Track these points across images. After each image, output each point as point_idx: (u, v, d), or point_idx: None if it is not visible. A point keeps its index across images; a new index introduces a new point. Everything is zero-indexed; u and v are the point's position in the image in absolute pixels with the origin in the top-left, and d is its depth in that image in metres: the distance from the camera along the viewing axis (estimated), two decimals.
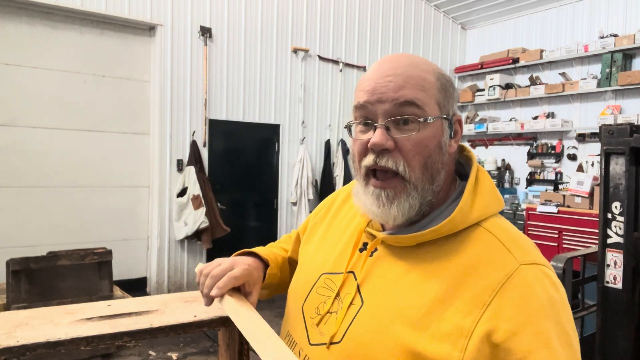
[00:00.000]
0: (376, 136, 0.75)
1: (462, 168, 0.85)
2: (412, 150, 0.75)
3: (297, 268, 0.99)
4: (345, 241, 0.88)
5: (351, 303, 0.78)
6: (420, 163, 0.75)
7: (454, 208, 0.76)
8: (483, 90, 7.36)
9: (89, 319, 0.90)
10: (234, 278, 0.85)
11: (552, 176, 6.64)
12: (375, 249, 0.81)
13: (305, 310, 0.86)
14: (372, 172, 0.78)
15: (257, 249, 1.00)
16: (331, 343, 0.77)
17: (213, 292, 0.83)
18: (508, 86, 7.00)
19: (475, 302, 0.68)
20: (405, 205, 0.76)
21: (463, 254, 0.73)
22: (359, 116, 0.79)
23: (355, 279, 0.80)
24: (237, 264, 0.88)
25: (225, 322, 0.94)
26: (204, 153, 5.50)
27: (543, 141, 6.74)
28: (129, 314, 0.93)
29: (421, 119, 0.74)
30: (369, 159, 0.77)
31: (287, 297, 0.95)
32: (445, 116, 0.77)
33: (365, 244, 0.84)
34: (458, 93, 0.75)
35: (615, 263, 2.24)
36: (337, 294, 0.81)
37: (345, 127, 0.84)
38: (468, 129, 7.50)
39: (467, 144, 7.80)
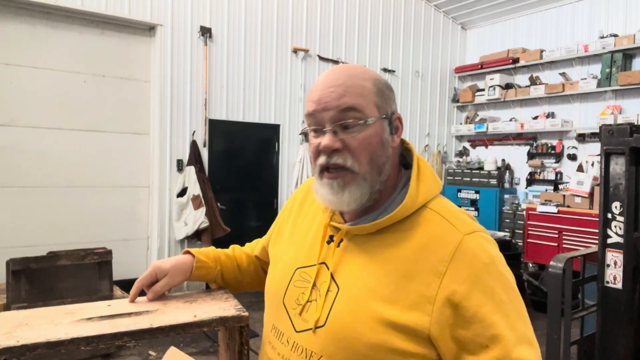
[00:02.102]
0: (325, 139, 0.87)
1: (403, 159, 0.97)
2: (358, 147, 0.86)
3: (270, 267, 1.09)
4: (312, 236, 0.99)
5: (328, 290, 0.88)
6: (366, 158, 0.87)
7: (403, 195, 0.89)
8: (483, 90, 7.36)
9: (89, 319, 0.89)
10: (138, 282, 1.04)
11: (552, 176, 6.64)
12: (341, 240, 0.92)
13: (286, 302, 0.95)
14: (326, 169, 0.89)
15: (195, 249, 1.15)
16: (316, 327, 0.86)
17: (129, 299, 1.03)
18: (508, 86, 7.01)
19: (433, 273, 0.80)
20: (357, 192, 0.87)
21: (416, 234, 0.85)
22: (310, 123, 0.90)
23: (328, 269, 0.90)
24: (157, 263, 1.07)
25: (225, 322, 0.94)
26: (204, 153, 5.50)
27: (543, 141, 6.75)
28: (129, 314, 0.93)
29: (361, 121, 0.86)
30: (322, 159, 0.88)
31: (265, 294, 1.04)
32: (384, 116, 0.89)
33: (331, 237, 0.94)
34: (394, 94, 0.96)
35: (615, 263, 2.24)
36: (314, 284, 0.91)
37: (300, 134, 0.93)
38: (468, 129, 7.50)
39: (467, 144, 7.81)
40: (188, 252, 1.14)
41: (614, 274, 2.24)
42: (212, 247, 1.20)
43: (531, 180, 6.87)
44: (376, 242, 0.87)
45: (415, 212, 0.87)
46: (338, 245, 0.92)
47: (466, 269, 0.79)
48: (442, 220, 0.86)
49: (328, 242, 0.94)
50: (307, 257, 0.96)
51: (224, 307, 1.00)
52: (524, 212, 6.25)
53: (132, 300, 1.01)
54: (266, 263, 1.18)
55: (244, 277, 1.20)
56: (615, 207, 2.23)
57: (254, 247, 1.26)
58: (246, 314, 0.96)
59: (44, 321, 0.87)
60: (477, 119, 7.53)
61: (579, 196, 5.76)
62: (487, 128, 7.17)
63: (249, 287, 1.22)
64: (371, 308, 0.82)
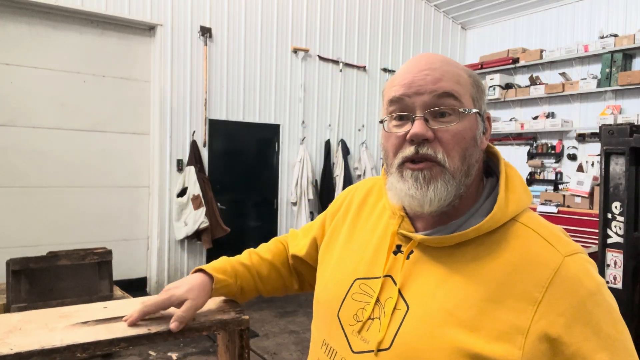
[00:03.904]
0: (416, 127, 0.75)
1: (485, 165, 0.86)
2: (451, 140, 0.76)
3: (320, 273, 0.97)
4: (376, 244, 0.87)
5: (395, 308, 0.77)
6: (458, 154, 0.76)
7: (488, 205, 0.78)
8: None
9: (85, 322, 0.87)
10: (147, 307, 0.88)
11: (552, 176, 6.64)
12: (411, 252, 0.81)
13: (341, 317, 0.84)
14: (410, 160, 0.78)
15: (209, 267, 0.99)
16: (379, 350, 0.75)
17: (128, 320, 0.87)
18: (508, 86, 7.00)
19: (526, 299, 0.69)
20: (443, 190, 0.75)
21: (506, 251, 0.73)
22: (395, 110, 0.79)
23: (395, 283, 0.79)
24: (170, 289, 0.91)
25: (225, 325, 0.92)
26: (204, 153, 5.50)
27: (543, 141, 6.74)
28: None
29: (460, 109, 0.76)
30: (409, 150, 0.77)
31: (315, 304, 0.94)
32: (478, 111, 0.79)
33: (398, 247, 0.83)
34: (486, 93, 0.82)
35: (615, 263, 2.24)
36: (377, 300, 0.80)
37: (380, 122, 0.83)
38: None
39: None
40: (201, 271, 0.98)
41: (614, 274, 2.24)
42: (225, 258, 1.05)
43: (531, 180, 6.87)
44: (455, 257, 0.76)
45: (503, 225, 0.75)
46: (408, 257, 0.80)
47: (567, 298, 0.68)
48: (537, 237, 0.74)
49: (395, 253, 0.83)
50: (369, 268, 0.85)
51: (224, 309, 0.97)
52: None
53: (132, 324, 0.86)
54: (308, 265, 1.07)
55: (264, 286, 1.07)
56: (615, 207, 2.23)
57: (294, 245, 1.10)
58: (246, 317, 0.94)
59: (37, 325, 0.85)
60: None
61: (579, 196, 5.75)
62: None
63: (268, 294, 1.10)
64: (448, 334, 0.70)
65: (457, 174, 0.76)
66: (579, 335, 0.66)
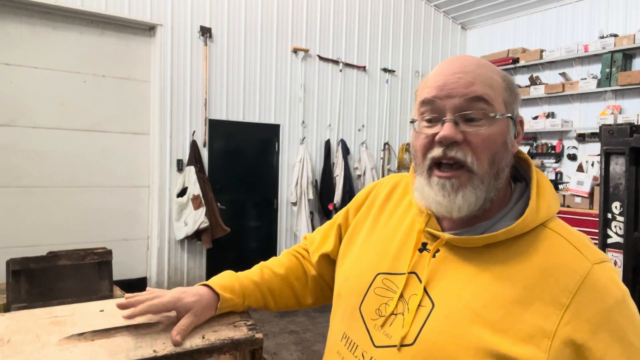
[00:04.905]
0: (445, 129, 0.76)
1: (513, 170, 0.85)
2: (480, 144, 0.76)
3: (339, 266, 0.98)
4: (400, 240, 0.88)
5: (420, 304, 0.77)
6: (487, 157, 0.76)
7: (518, 209, 0.79)
8: None
9: (81, 335, 0.78)
10: (150, 307, 0.84)
11: (552, 176, 6.64)
12: (437, 250, 0.81)
13: (363, 311, 0.84)
14: (437, 165, 0.78)
15: (218, 283, 0.94)
16: (402, 345, 0.76)
17: (125, 313, 0.82)
18: None
19: (554, 304, 0.69)
20: (472, 196, 0.76)
21: (535, 255, 0.74)
22: (426, 111, 0.80)
23: (420, 281, 0.80)
24: (178, 293, 0.87)
25: (237, 346, 0.84)
26: (204, 153, 5.50)
27: (543, 141, 6.74)
28: (126, 328, 0.82)
29: (491, 114, 0.76)
30: (437, 151, 0.77)
31: (335, 297, 0.94)
32: (510, 115, 0.79)
33: (424, 244, 0.83)
34: (520, 96, 0.83)
35: (615, 263, 2.24)
36: (401, 296, 0.81)
37: (410, 122, 0.84)
38: None
39: None
40: (207, 286, 0.93)
41: None
42: (233, 274, 1.00)
43: None
44: (483, 258, 0.76)
45: (532, 230, 0.76)
46: (434, 256, 0.81)
47: (595, 305, 0.69)
48: (566, 244, 0.75)
49: (420, 250, 0.83)
50: (392, 264, 0.85)
51: (234, 323, 0.90)
52: None
53: (131, 318, 0.83)
54: (328, 266, 1.05)
55: (276, 303, 1.04)
56: (615, 207, 2.23)
57: (317, 247, 1.07)
58: (260, 335, 0.86)
59: (27, 337, 0.76)
60: None
61: (579, 196, 5.75)
62: None
63: (278, 310, 1.07)
64: (474, 333, 0.71)
65: (485, 178, 0.76)
66: (604, 342, 0.67)
